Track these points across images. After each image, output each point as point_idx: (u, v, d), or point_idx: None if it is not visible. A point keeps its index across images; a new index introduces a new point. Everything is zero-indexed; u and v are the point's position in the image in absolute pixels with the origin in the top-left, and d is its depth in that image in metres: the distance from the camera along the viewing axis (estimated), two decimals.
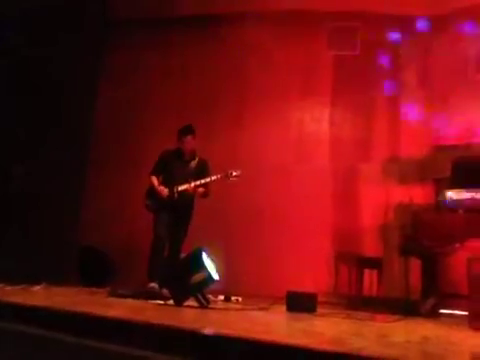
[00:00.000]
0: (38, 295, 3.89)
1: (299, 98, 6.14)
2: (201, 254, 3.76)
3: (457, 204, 4.04)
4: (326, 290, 5.26)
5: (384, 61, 6.01)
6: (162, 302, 3.88)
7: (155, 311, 3.45)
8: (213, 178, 4.66)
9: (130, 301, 3.95)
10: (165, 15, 6.40)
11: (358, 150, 6.00)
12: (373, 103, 6.02)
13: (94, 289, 4.83)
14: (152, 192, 4.79)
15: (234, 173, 4.67)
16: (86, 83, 6.44)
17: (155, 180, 4.81)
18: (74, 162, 6.30)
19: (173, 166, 4.81)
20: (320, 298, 4.42)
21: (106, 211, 6.20)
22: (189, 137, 4.78)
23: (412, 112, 5.84)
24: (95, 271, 5.68)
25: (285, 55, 6.11)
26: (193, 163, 4.82)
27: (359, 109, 6.01)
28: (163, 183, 4.79)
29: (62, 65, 6.30)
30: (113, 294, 4.22)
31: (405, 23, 5.83)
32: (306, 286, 4.44)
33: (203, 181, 4.66)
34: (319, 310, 3.99)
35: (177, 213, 4.69)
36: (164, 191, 4.69)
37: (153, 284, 4.39)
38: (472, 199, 3.87)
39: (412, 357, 2.23)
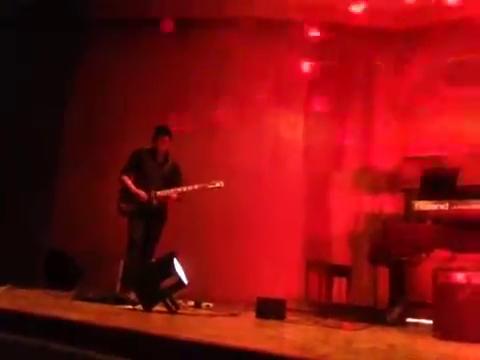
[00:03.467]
0: (0, 297, 3.79)
1: (274, 105, 6.17)
2: (172, 259, 3.73)
3: (425, 215, 4.12)
4: (297, 297, 5.29)
5: (358, 72, 6.12)
6: (130, 307, 3.83)
7: (122, 316, 3.40)
8: (196, 187, 4.61)
9: (96, 305, 3.88)
10: (139, 17, 6.35)
11: (331, 159, 6.07)
12: (346, 113, 6.11)
13: (60, 292, 4.72)
14: (127, 194, 4.63)
15: (217, 184, 4.64)
16: (59, 84, 6.34)
17: (128, 181, 4.66)
18: (43, 164, 6.18)
19: (147, 167, 4.70)
20: (291, 305, 4.45)
21: (75, 214, 6.10)
22: (166, 137, 4.71)
23: (384, 123, 5.96)
24: (62, 274, 5.57)
25: (260, 62, 6.14)
26: (167, 166, 4.75)
27: (332, 118, 6.09)
28: (137, 184, 4.66)
29: (34, 65, 6.20)
30: (79, 297, 4.13)
31: (379, 36, 5.95)
32: (277, 292, 4.44)
33: (185, 189, 4.60)
34: (288, 317, 4.01)
35: (152, 217, 4.60)
36: (143, 195, 4.58)
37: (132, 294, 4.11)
38: (439, 210, 3.96)
39: None
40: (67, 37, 6.37)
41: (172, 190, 4.59)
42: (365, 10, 5.75)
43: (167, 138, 4.71)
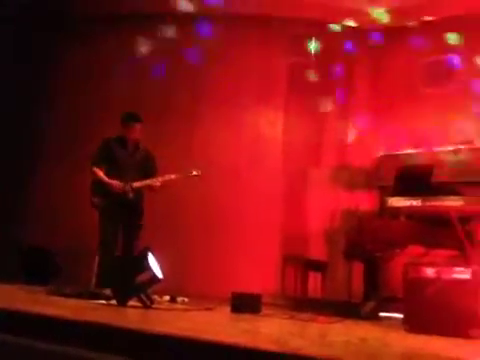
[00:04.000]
0: None
1: (253, 101, 6.20)
2: (147, 254, 3.73)
3: (398, 211, 4.20)
4: (273, 291, 5.34)
5: (337, 70, 6.18)
6: (104, 302, 3.81)
7: (96, 311, 3.39)
8: (173, 177, 4.41)
9: (71, 300, 3.86)
10: (118, 12, 6.28)
11: (309, 155, 6.13)
12: (324, 110, 6.17)
13: (36, 288, 4.67)
14: (99, 187, 4.38)
15: (194, 172, 4.47)
16: (40, 82, 6.26)
17: (100, 172, 4.40)
18: (22, 161, 6.10)
19: (117, 156, 4.44)
20: (267, 299, 4.50)
21: (51, 209, 6.04)
22: (138, 125, 4.44)
23: (361, 121, 6.04)
24: (39, 270, 5.51)
25: (241, 58, 6.15)
26: (138, 154, 4.50)
27: (311, 115, 6.15)
28: (109, 176, 4.40)
29: (16, 63, 6.09)
30: (54, 293, 4.10)
31: (359, 35, 6.02)
32: (254, 287, 4.48)
33: (161, 179, 4.37)
34: (264, 311, 4.06)
35: (128, 210, 4.36)
36: (116, 185, 4.32)
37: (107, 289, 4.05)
38: (411, 207, 4.04)
39: (347, 356, 2.31)
40: (49, 35, 6.29)
41: (148, 180, 4.38)
42: (345, 9, 5.82)
43: (138, 125, 4.45)
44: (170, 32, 6.20)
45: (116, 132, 4.66)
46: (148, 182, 4.38)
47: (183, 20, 6.14)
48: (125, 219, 4.39)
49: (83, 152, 6.01)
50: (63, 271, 5.53)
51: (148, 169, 4.47)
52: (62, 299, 3.90)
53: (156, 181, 4.37)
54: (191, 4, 5.98)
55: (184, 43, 6.19)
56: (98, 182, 4.41)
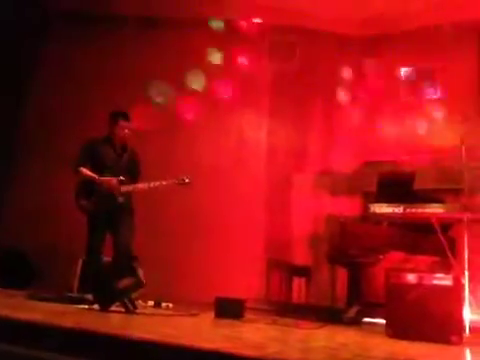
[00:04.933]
0: None
1: (238, 106, 6.22)
2: (130, 258, 3.71)
3: (380, 217, 4.24)
4: (258, 296, 5.35)
5: (320, 76, 6.24)
6: (86, 306, 3.78)
7: (77, 315, 3.36)
8: (164, 183, 4.18)
9: (51, 305, 3.81)
10: (103, 13, 6.26)
11: (293, 161, 6.17)
12: (309, 116, 6.23)
13: (14, 292, 4.60)
14: (86, 188, 4.09)
15: (186, 180, 4.24)
16: (18, 78, 6.19)
17: (88, 171, 4.09)
18: None
19: (103, 156, 4.18)
20: (251, 304, 4.50)
21: (30, 211, 5.95)
22: (125, 123, 4.21)
23: (345, 127, 6.10)
24: (17, 274, 5.41)
25: (225, 63, 6.18)
26: (125, 156, 4.26)
27: (295, 121, 6.19)
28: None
29: None
30: (33, 297, 4.04)
31: (341, 42, 6.09)
32: (239, 292, 4.48)
33: (152, 184, 4.15)
34: (247, 316, 4.06)
35: (116, 212, 4.07)
36: (112, 180, 4.02)
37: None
38: (393, 213, 4.08)
39: None
40: (27, 31, 6.22)
41: (139, 185, 4.16)
42: (329, 16, 5.88)
43: (125, 124, 4.21)
44: (155, 34, 6.19)
45: (99, 134, 4.52)
46: (138, 187, 4.14)
47: (166, 22, 6.13)
48: (115, 227, 4.08)
49: (63, 153, 5.96)
50: (42, 275, 5.44)
51: (133, 172, 4.26)
52: (42, 303, 3.85)
53: (146, 186, 4.16)
54: (175, 7, 5.99)
55: (168, 45, 6.18)
56: (85, 184, 4.12)
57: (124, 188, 4.11)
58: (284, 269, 5.32)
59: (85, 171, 4.10)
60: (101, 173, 4.12)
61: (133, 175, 4.27)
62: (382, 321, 4.07)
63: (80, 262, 4.84)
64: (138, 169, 4.31)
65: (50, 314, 3.21)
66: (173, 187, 4.32)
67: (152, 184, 4.18)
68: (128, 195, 4.19)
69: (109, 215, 4.08)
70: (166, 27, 6.15)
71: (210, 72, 6.15)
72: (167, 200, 5.06)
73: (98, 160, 4.15)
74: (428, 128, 5.69)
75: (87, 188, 4.10)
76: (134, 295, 3.82)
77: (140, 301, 4.26)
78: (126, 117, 4.26)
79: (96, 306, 3.68)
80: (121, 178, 4.12)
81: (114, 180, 4.06)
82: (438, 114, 5.70)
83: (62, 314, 3.31)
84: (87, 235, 4.10)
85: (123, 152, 4.27)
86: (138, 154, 4.38)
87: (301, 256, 5.79)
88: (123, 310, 3.67)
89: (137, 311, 3.77)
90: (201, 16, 5.99)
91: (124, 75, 6.20)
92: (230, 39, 6.11)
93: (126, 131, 4.22)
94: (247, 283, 5.47)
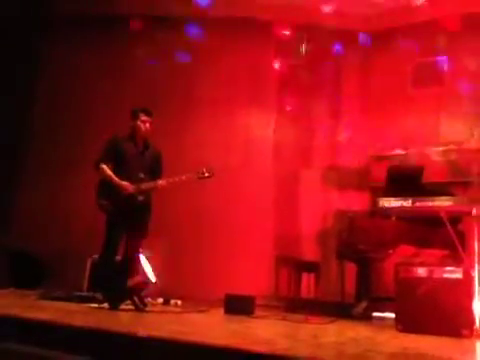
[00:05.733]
0: None
1: (245, 103, 6.22)
2: (139, 257, 3.73)
3: (389, 212, 4.22)
4: (267, 293, 5.35)
5: (327, 72, 6.22)
6: (96, 305, 3.80)
7: (88, 315, 3.38)
8: (183, 178, 4.13)
9: (62, 304, 3.84)
10: (107, 15, 6.26)
11: (300, 157, 6.16)
12: (315, 112, 6.20)
13: (26, 292, 4.64)
14: (107, 188, 4.05)
15: (206, 173, 4.20)
16: (23, 83, 6.22)
17: (109, 171, 4.08)
18: (6, 164, 6.02)
19: (126, 155, 4.15)
20: (260, 301, 4.51)
21: (41, 212, 5.99)
22: (146, 117, 4.19)
23: (352, 122, 6.08)
24: (29, 274, 5.46)
25: (232, 61, 6.17)
26: (148, 153, 4.24)
27: (302, 117, 6.17)
28: (115, 174, 4.10)
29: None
30: (44, 297, 4.07)
31: (347, 37, 6.05)
32: (248, 289, 4.48)
33: (171, 180, 4.10)
34: (257, 312, 4.07)
35: (135, 211, 4.06)
36: (128, 187, 4.02)
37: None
38: (402, 207, 4.06)
39: (336, 357, 2.32)
40: (32, 35, 6.25)
41: (159, 181, 4.09)
42: (334, 11, 5.85)
43: (146, 118, 4.20)
44: (161, 34, 6.19)
45: (105, 134, 4.51)
46: (158, 184, 4.10)
47: (172, 22, 6.13)
48: (131, 225, 4.09)
49: (71, 154, 6.02)
50: (54, 275, 5.49)
51: (155, 170, 4.25)
52: (52, 303, 3.88)
53: (165, 182, 4.12)
54: (183, 6, 5.99)
55: (175, 45, 6.19)
56: (106, 183, 4.09)
57: (144, 186, 4.08)
58: (293, 265, 5.31)
59: (106, 169, 4.09)
60: (124, 170, 4.10)
61: (155, 172, 4.25)
62: (392, 316, 4.06)
63: (89, 261, 4.87)
64: (160, 166, 4.28)
65: (60, 313, 3.24)
66: (193, 182, 4.24)
67: (172, 180, 4.13)
68: (148, 193, 4.17)
69: (128, 214, 4.05)
70: (171, 26, 6.14)
71: (216, 70, 6.14)
72: (175, 198, 5.06)
73: (120, 157, 4.15)
74: (436, 122, 5.64)
75: (108, 187, 4.08)
76: (143, 293, 3.84)
77: (149, 299, 4.28)
78: (147, 112, 4.25)
79: (106, 305, 3.71)
80: (141, 176, 4.09)
81: (130, 188, 4.04)
82: (445, 107, 5.65)
83: (72, 313, 3.34)
84: (105, 234, 4.05)
85: (145, 149, 4.25)
86: (161, 151, 4.35)
87: (310, 252, 5.77)
88: (133, 308, 3.70)
89: (146, 309, 3.79)
90: (205, 14, 5.97)
91: (132, 78, 6.21)
92: (236, 37, 6.10)
93: (147, 125, 4.20)
94: (256, 280, 5.47)
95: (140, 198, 4.06)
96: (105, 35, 6.29)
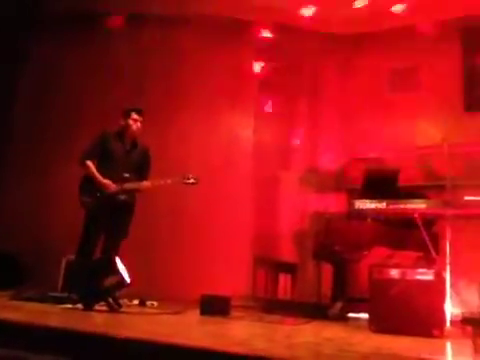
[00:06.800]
0: None
1: (225, 105, 6.22)
2: (114, 257, 3.70)
3: (364, 213, 4.29)
4: (244, 293, 5.36)
5: (306, 75, 6.27)
6: (70, 306, 3.75)
7: (60, 315, 3.34)
8: (168, 181, 4.13)
9: (34, 304, 3.78)
10: (91, 13, 6.21)
11: (279, 158, 6.20)
12: (294, 114, 6.25)
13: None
14: (90, 185, 4.03)
15: (191, 180, 4.20)
16: (6, 81, 6.11)
17: (93, 167, 4.05)
18: None
19: (113, 151, 4.14)
20: (238, 302, 4.52)
21: (18, 212, 5.90)
22: (135, 115, 4.20)
23: (330, 124, 6.15)
24: (4, 274, 5.36)
25: (213, 62, 6.17)
26: (135, 152, 4.24)
27: (281, 119, 6.22)
28: (100, 170, 4.08)
29: None
30: (17, 297, 4.00)
31: (327, 40, 6.12)
32: (225, 290, 4.48)
33: (157, 183, 4.10)
34: (234, 313, 4.07)
35: (117, 210, 4.04)
36: (110, 186, 4.01)
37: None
38: (377, 209, 4.13)
39: (309, 357, 2.35)
40: (16, 34, 6.15)
41: (143, 183, 4.09)
42: (314, 14, 5.91)
43: (136, 116, 4.21)
44: (143, 34, 6.15)
45: (90, 133, 4.45)
46: (142, 185, 4.10)
47: (155, 21, 6.11)
48: (112, 225, 4.06)
49: (49, 153, 5.94)
50: (30, 275, 5.40)
51: (142, 169, 4.23)
52: (25, 303, 3.81)
53: (149, 184, 4.11)
54: (163, 5, 5.97)
55: (157, 44, 6.16)
56: (89, 179, 4.07)
57: (127, 185, 4.06)
58: (270, 266, 5.35)
59: (90, 166, 4.07)
60: (108, 167, 4.08)
61: (142, 172, 4.24)
62: (367, 316, 4.12)
63: (64, 261, 4.81)
64: (148, 166, 4.27)
65: (33, 314, 3.19)
66: (177, 186, 4.24)
67: (157, 182, 4.13)
68: (132, 193, 4.15)
69: (110, 213, 4.03)
70: (154, 26, 6.12)
71: (197, 71, 6.13)
72: (154, 198, 5.03)
73: (107, 154, 4.14)
74: (412, 125, 5.75)
75: (91, 184, 4.06)
76: (118, 294, 3.81)
77: (125, 300, 4.25)
78: (139, 111, 4.29)
79: (80, 305, 3.66)
80: (126, 175, 4.07)
81: (112, 187, 4.03)
82: (422, 112, 5.76)
83: (45, 314, 3.29)
84: (82, 231, 4.01)
85: (133, 148, 4.26)
86: (150, 152, 4.35)
87: (287, 253, 5.81)
88: (107, 309, 3.66)
89: (121, 310, 3.76)
90: (188, 14, 5.96)
91: (112, 75, 6.15)
92: (216, 37, 6.10)
93: (138, 124, 4.23)
94: (233, 280, 5.48)
95: (122, 197, 4.05)
96: (89, 34, 6.22)
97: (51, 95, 6.33)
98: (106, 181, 4.03)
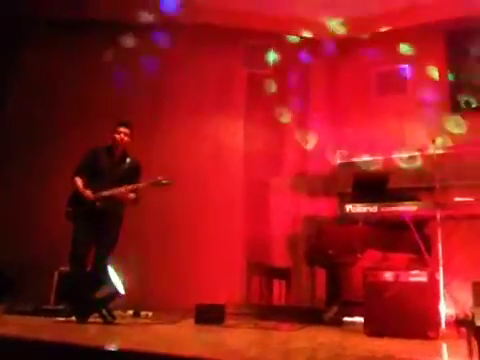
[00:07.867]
0: None
1: (214, 111, 6.23)
2: (107, 268, 3.67)
3: (356, 217, 4.30)
4: (239, 301, 5.34)
5: (294, 80, 6.31)
6: (63, 319, 3.72)
7: (53, 328, 3.30)
8: (140, 185, 4.16)
9: (27, 318, 3.74)
10: (79, 18, 6.19)
11: (270, 164, 6.21)
12: (283, 119, 6.27)
13: None
14: (76, 197, 4.15)
15: (163, 181, 4.18)
16: None
17: (80, 182, 4.18)
18: None
19: (101, 165, 4.25)
20: (232, 309, 4.50)
21: (7, 223, 5.83)
22: (122, 128, 4.27)
23: (319, 129, 6.18)
24: None
25: (201, 68, 6.19)
26: (124, 165, 4.28)
27: (271, 125, 6.24)
28: (90, 185, 4.17)
29: None
30: (9, 311, 3.95)
31: (314, 45, 6.17)
32: (219, 297, 4.48)
33: (130, 187, 4.13)
34: (228, 321, 4.06)
35: (101, 222, 4.08)
36: (88, 195, 4.09)
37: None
38: (368, 213, 4.14)
39: None
40: (6, 35, 6.12)
41: (115, 189, 4.13)
42: (301, 20, 5.96)
43: (123, 129, 4.28)
44: (130, 41, 6.16)
45: (79, 140, 4.47)
46: (115, 191, 4.14)
47: (142, 29, 6.11)
48: (98, 234, 4.09)
49: (39, 162, 5.88)
50: (19, 288, 5.32)
51: (133, 181, 4.23)
52: (17, 317, 3.77)
53: (123, 189, 4.13)
54: (151, 13, 5.98)
55: (144, 52, 6.16)
56: (76, 193, 4.19)
57: (105, 193, 4.13)
58: (264, 272, 5.33)
59: (76, 181, 4.20)
60: (97, 181, 4.18)
61: (132, 184, 4.22)
62: (362, 320, 4.12)
63: (56, 274, 4.77)
64: (137, 178, 4.29)
65: (26, 328, 3.15)
66: (152, 190, 4.25)
67: (130, 187, 4.16)
68: (115, 203, 4.17)
69: (93, 223, 4.07)
70: (141, 32, 6.11)
71: (185, 77, 6.14)
72: (144, 206, 5.01)
73: (95, 168, 4.23)
74: (400, 128, 5.79)
75: (75, 197, 4.17)
76: (112, 305, 3.78)
77: (119, 311, 4.22)
78: (124, 124, 4.35)
79: (73, 318, 3.62)
80: (100, 193, 4.13)
81: (90, 195, 4.12)
82: (410, 114, 5.81)
83: (38, 327, 3.25)
84: (71, 242, 4.04)
85: (121, 161, 4.31)
86: (141, 167, 4.38)
87: (280, 258, 5.81)
88: (101, 321, 3.63)
89: (115, 321, 3.72)
90: (175, 21, 5.97)
91: (102, 81, 6.13)
92: (204, 44, 6.12)
93: (122, 136, 4.28)
94: (227, 287, 5.46)
95: (97, 204, 4.12)
96: (76, 40, 6.20)
97: (43, 102, 6.27)
98: (87, 191, 4.14)
